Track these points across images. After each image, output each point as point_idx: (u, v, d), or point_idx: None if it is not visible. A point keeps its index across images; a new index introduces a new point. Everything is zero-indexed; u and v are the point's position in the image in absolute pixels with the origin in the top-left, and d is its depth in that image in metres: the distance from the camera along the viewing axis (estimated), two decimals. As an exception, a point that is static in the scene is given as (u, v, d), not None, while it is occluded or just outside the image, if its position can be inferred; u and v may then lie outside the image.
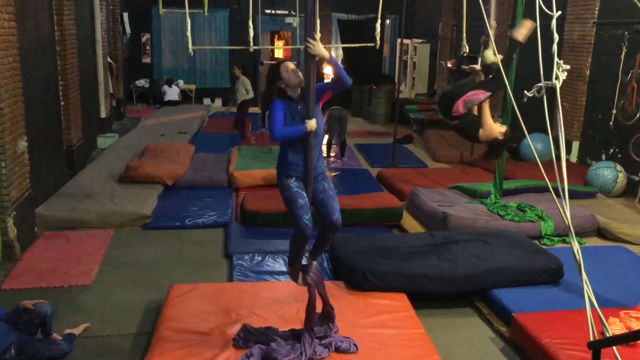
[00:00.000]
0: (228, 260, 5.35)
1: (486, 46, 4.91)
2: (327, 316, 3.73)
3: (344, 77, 3.39)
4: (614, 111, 7.98)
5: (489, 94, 4.55)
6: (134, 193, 6.81)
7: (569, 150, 9.03)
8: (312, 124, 3.34)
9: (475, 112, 4.76)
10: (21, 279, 4.80)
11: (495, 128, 4.64)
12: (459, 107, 4.55)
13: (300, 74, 3.44)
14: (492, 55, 4.70)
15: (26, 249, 5.37)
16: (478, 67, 4.94)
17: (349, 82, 3.43)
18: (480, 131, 4.66)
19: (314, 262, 3.72)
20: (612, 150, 8.26)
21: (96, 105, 10.15)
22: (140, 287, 4.78)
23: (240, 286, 4.55)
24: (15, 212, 5.17)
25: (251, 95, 10.53)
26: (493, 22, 5.82)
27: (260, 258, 5.27)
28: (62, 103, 7.55)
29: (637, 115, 7.54)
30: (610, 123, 8.08)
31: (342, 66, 3.53)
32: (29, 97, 5.88)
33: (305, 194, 3.47)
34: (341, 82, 3.43)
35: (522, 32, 4.49)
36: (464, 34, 5.54)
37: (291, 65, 3.49)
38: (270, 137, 3.44)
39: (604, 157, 8.38)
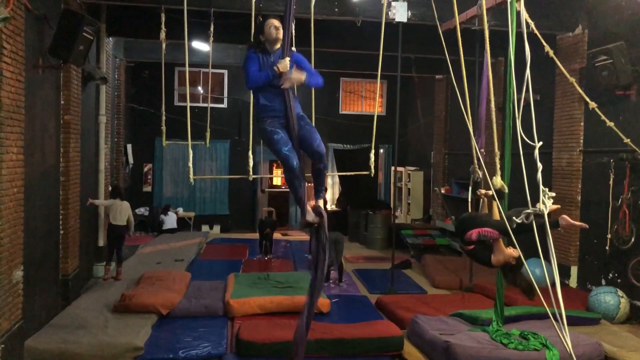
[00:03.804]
0: (222, 395, 5.10)
1: (484, 174, 5.16)
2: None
3: (317, 83, 4.14)
4: (609, 236, 8.04)
5: (501, 235, 4.80)
6: (128, 323, 6.64)
7: (567, 275, 8.97)
8: (282, 65, 3.86)
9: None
10: (2, 418, 4.55)
11: (507, 253, 4.77)
12: (472, 235, 4.78)
13: (280, 31, 3.97)
14: (499, 180, 5.00)
15: (11, 384, 5.14)
16: (490, 192, 5.18)
17: (321, 83, 4.14)
18: (492, 256, 4.79)
19: (319, 200, 4.21)
20: (611, 275, 8.21)
21: (94, 234, 10.21)
22: None
23: None
24: (3, 345, 5.01)
25: (119, 222, 8.93)
26: (482, 150, 6.08)
27: (255, 393, 5.03)
28: (62, 232, 7.61)
29: (632, 240, 7.60)
30: (607, 248, 8.11)
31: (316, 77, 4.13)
32: (29, 226, 5.95)
33: (280, 131, 3.96)
34: (315, 84, 4.15)
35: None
36: (475, 160, 5.54)
37: (275, 22, 4.00)
38: (247, 85, 4.00)
39: (603, 282, 8.31)
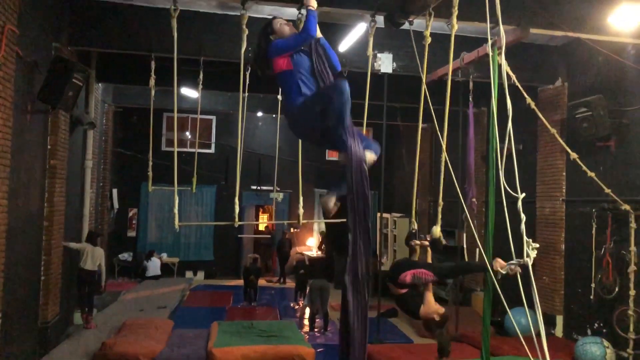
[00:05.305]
0: None
1: (434, 223, 5.25)
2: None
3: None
4: (593, 285, 8.06)
5: (436, 278, 4.71)
6: (107, 373, 6.48)
7: (553, 325, 8.93)
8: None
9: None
10: None
11: (434, 308, 4.71)
12: (407, 277, 4.67)
13: (290, 24, 3.73)
14: (438, 231, 5.02)
15: None
16: (426, 242, 5.22)
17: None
18: (422, 307, 4.75)
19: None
20: (596, 324, 8.19)
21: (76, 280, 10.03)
22: None
23: None
24: (-24, 396, 4.85)
25: (89, 267, 8.87)
26: (440, 195, 6.17)
27: None
28: (43, 278, 7.47)
29: (616, 290, 7.62)
30: (591, 297, 8.12)
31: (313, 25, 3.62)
32: (9, 272, 5.84)
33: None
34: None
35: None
36: (413, 212, 5.80)
37: (282, 19, 3.75)
38: (306, 38, 3.54)
39: (589, 331, 8.28)
